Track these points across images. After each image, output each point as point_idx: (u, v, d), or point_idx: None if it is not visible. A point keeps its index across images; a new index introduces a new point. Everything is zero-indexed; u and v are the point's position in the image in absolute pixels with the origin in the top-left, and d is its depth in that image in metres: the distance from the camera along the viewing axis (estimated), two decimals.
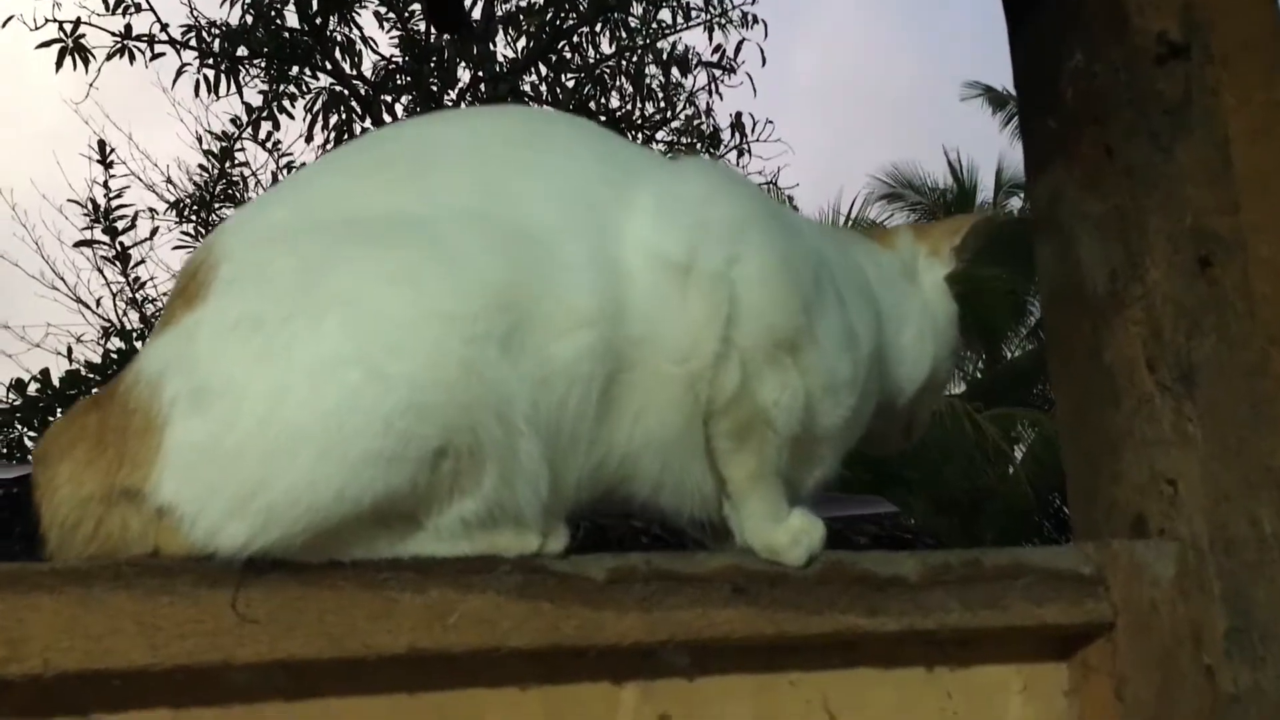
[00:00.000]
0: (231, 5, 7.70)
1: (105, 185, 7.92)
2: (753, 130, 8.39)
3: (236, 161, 8.68)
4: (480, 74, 7.89)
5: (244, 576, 0.99)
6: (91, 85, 7.92)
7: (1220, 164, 1.31)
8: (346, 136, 7.86)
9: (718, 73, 8.53)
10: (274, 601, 0.99)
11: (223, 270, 1.06)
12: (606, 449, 1.13)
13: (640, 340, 1.11)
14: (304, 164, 8.11)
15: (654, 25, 8.58)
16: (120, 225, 8.16)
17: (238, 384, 1.00)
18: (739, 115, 8.37)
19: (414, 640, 1.01)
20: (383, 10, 8.12)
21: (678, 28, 8.61)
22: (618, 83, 8.64)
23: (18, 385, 7.55)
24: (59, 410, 7.62)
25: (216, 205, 8.66)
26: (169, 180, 8.68)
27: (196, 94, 7.87)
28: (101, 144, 7.86)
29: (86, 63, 7.56)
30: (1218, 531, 1.26)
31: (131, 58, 7.70)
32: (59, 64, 7.45)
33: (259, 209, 1.21)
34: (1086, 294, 1.41)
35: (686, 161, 1.25)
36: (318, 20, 7.68)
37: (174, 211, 8.66)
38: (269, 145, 8.31)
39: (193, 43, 7.82)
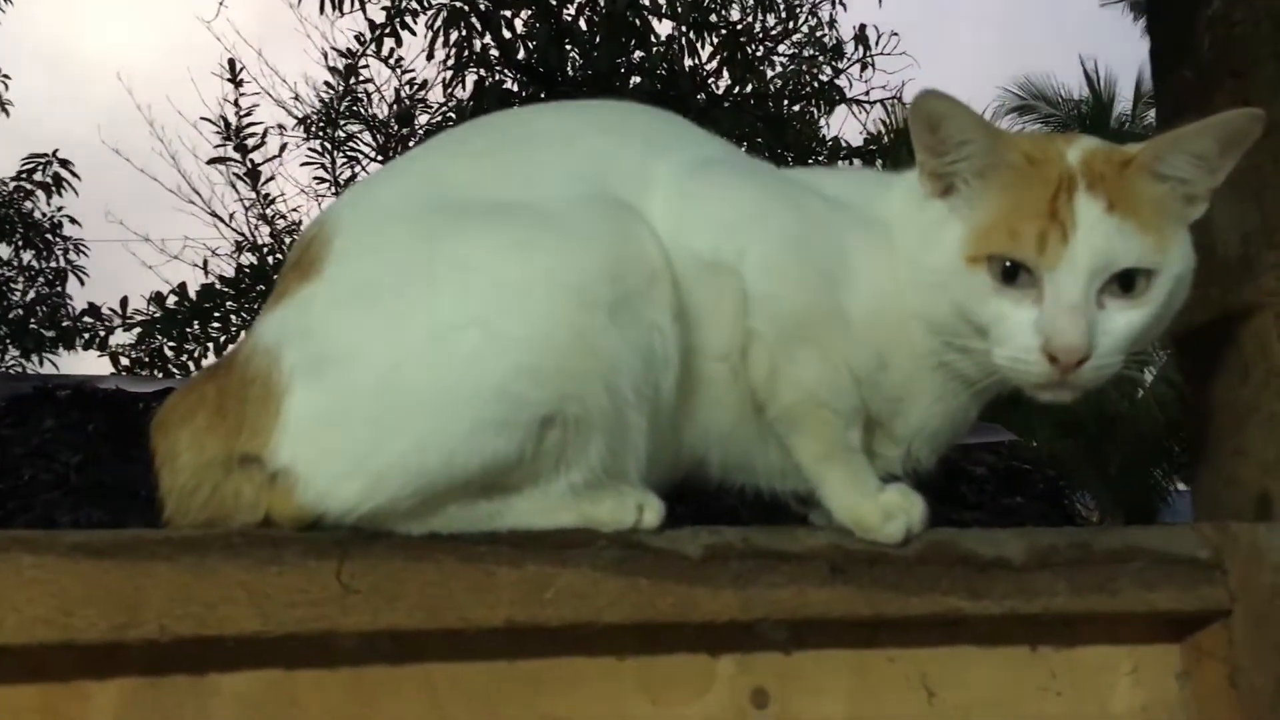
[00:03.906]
0: None
1: (235, 103, 8.08)
2: (877, 43, 8.14)
3: (361, 78, 8.75)
4: None
5: (348, 549, 1.02)
6: (221, 4, 8.06)
7: None
8: (466, 53, 7.86)
9: None
10: (377, 573, 1.02)
11: (337, 243, 1.09)
12: (683, 436, 1.17)
13: (693, 342, 1.14)
14: (425, 81, 8.19)
15: None
16: (250, 143, 8.34)
17: (355, 350, 1.04)
18: (863, 28, 8.10)
19: (511, 614, 1.04)
20: None
21: None
22: None
23: (157, 298, 7.86)
24: (196, 323, 7.93)
25: (342, 121, 8.78)
26: (296, 96, 8.81)
27: (321, 10, 7.94)
28: (231, 63, 8.00)
29: None
30: None
31: None
32: None
33: (369, 188, 1.24)
34: (1217, 257, 1.34)
35: (706, 148, 1.25)
36: None
37: (301, 127, 8.81)
38: (392, 62, 8.36)
39: None
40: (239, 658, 1.03)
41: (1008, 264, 1.07)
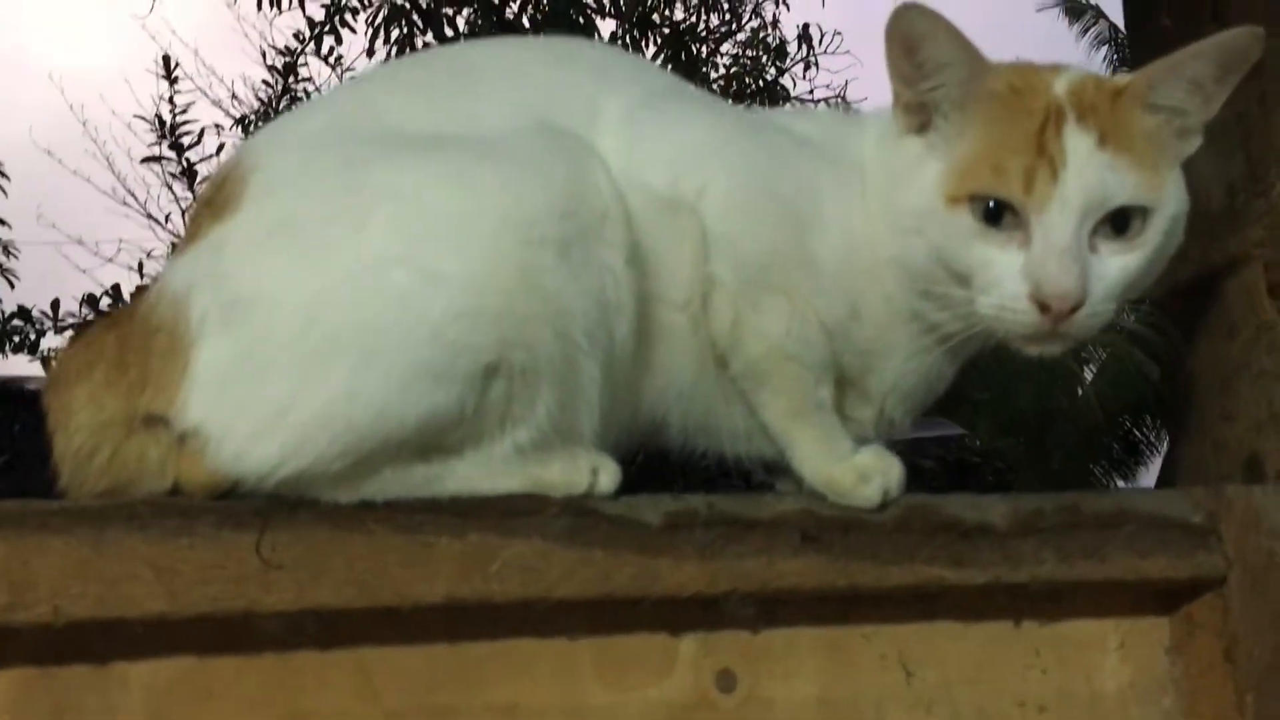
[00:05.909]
0: None
1: (171, 101, 7.88)
2: (820, 42, 8.15)
3: (300, 77, 8.60)
4: None
5: (269, 519, 0.92)
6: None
7: None
8: (408, 50, 7.73)
9: None
10: (301, 546, 0.92)
11: (254, 179, 0.98)
12: (640, 394, 1.08)
13: (650, 290, 1.05)
14: None
15: None
16: (186, 141, 8.14)
17: (273, 293, 0.93)
18: (806, 27, 8.11)
19: (452, 589, 0.94)
20: None
21: None
22: None
23: (89, 300, 7.63)
24: None
25: None
26: (234, 96, 8.63)
27: (260, 8, 7.79)
28: (166, 59, 7.79)
29: None
30: None
31: None
32: None
33: (292, 120, 1.14)
34: (1200, 211, 1.26)
35: (661, 81, 1.17)
36: None
37: (239, 127, 8.63)
38: (332, 60, 8.21)
39: None
40: (147, 643, 0.93)
41: (991, 204, 0.98)
